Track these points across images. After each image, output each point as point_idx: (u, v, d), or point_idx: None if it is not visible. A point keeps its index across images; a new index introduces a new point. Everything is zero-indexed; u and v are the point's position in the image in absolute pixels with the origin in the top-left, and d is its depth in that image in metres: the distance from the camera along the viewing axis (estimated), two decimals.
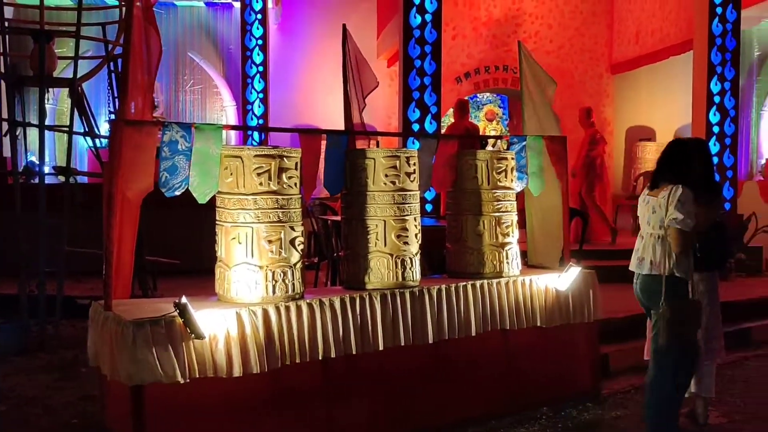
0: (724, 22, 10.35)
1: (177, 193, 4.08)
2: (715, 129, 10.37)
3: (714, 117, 10.37)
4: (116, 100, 7.18)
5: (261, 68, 11.00)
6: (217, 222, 4.27)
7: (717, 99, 10.36)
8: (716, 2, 10.32)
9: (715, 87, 10.35)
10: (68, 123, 7.03)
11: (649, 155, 12.06)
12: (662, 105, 11.79)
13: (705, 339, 4.94)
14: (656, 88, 12.82)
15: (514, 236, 5.37)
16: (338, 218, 5.46)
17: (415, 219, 4.79)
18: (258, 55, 10.94)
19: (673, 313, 4.27)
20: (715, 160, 10.34)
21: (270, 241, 4.15)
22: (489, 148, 7.64)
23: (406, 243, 4.71)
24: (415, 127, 9.65)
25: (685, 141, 4.67)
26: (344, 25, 5.34)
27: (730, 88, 10.40)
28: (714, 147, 10.37)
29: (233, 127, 10.18)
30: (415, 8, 9.66)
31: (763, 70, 12.69)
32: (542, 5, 13.60)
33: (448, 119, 15.00)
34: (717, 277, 5.09)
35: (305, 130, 4.62)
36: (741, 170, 11.89)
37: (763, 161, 12.49)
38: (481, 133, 15.77)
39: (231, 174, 4.16)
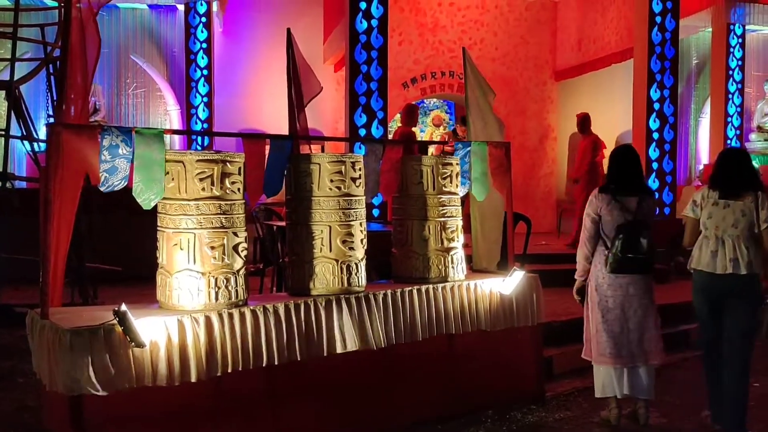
0: (663, 31, 10.61)
1: (117, 188, 4.01)
2: (655, 135, 10.63)
3: (654, 123, 10.62)
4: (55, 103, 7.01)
5: (205, 72, 10.87)
6: (158, 228, 4.20)
7: (657, 106, 10.62)
8: (656, 12, 10.58)
9: (654, 94, 10.61)
10: (5, 126, 6.84)
11: None
12: (604, 111, 12.01)
13: (640, 341, 5.14)
14: (598, 95, 13.08)
15: (459, 241, 5.40)
16: (283, 224, 5.42)
17: (360, 224, 4.78)
18: (202, 58, 10.82)
19: None
20: (655, 165, 10.60)
21: (213, 248, 4.10)
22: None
23: (351, 248, 4.69)
24: (362, 131, 9.65)
25: (747, 153, 5.16)
26: (289, 30, 5.31)
27: (669, 95, 10.67)
28: (654, 153, 10.62)
29: (175, 132, 10.02)
30: (361, 13, 9.67)
31: (701, 77, 13.04)
32: (487, 13, 13.76)
33: (395, 124, 15.05)
34: (651, 278, 5.25)
35: (249, 134, 4.57)
36: (680, 175, 12.19)
37: (702, 167, 12.82)
38: (427, 138, 15.88)
39: (173, 179, 4.09)
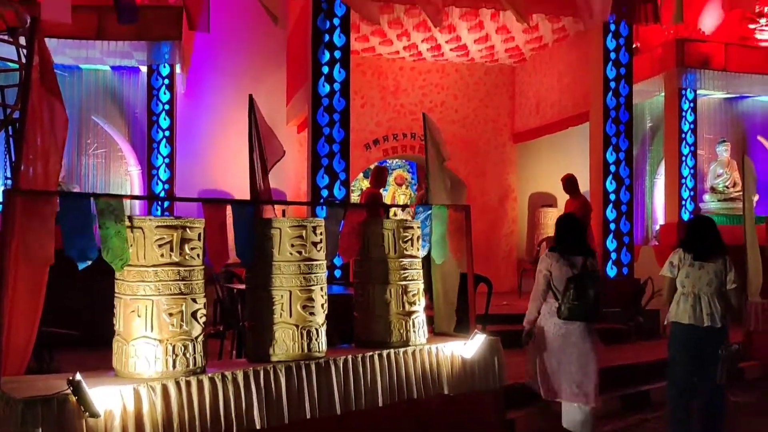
0: (617, 96, 10.92)
1: (88, 260, 3.96)
2: (612, 197, 10.83)
3: (610, 185, 10.84)
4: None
5: (167, 133, 10.86)
6: (116, 294, 4.15)
7: (613, 168, 10.86)
8: (610, 77, 10.90)
9: (610, 157, 10.86)
10: None
11: (551, 221, 12.45)
12: (562, 172, 12.22)
13: (581, 384, 5.60)
14: (556, 157, 13.35)
15: (420, 304, 5.41)
16: (244, 286, 5.39)
17: (321, 289, 4.77)
18: (164, 119, 10.82)
19: (737, 352, 5.45)
20: (612, 226, 10.78)
21: (171, 314, 4.05)
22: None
23: (312, 313, 4.67)
24: (324, 192, 9.70)
25: (713, 221, 5.87)
26: (251, 96, 5.37)
27: (625, 157, 10.92)
28: (611, 214, 10.81)
29: (134, 197, 9.97)
30: (323, 77, 9.81)
31: (655, 140, 13.38)
32: (447, 77, 14.05)
33: (358, 183, 15.16)
34: (593, 328, 5.78)
35: (209, 199, 4.57)
36: (637, 236, 12.39)
37: (658, 227, 13.07)
38: (391, 198, 16.01)
39: (132, 245, 4.06)
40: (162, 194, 10.83)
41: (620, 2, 10.61)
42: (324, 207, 5.98)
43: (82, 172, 11.72)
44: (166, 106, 10.84)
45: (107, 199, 4.05)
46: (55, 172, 4.56)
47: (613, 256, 10.79)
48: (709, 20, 13.05)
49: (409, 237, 5.36)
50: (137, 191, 11.49)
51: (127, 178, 11.80)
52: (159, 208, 10.29)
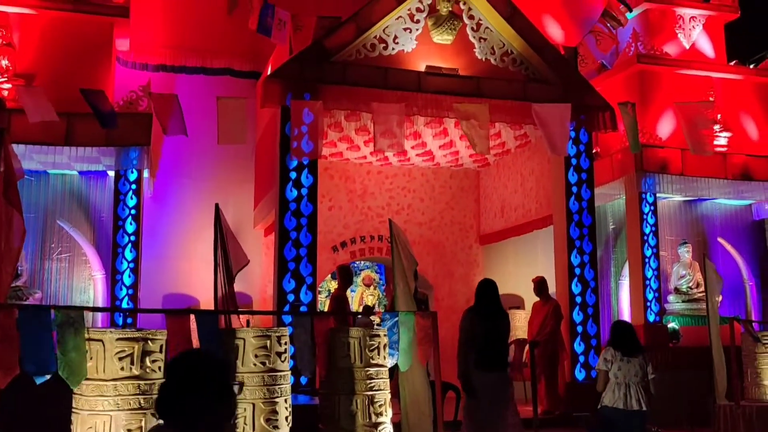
0: (580, 200, 11.16)
1: (45, 376, 3.85)
2: (578, 299, 10.91)
3: (576, 288, 10.93)
4: None
5: (133, 238, 10.80)
6: (73, 410, 4.03)
7: (578, 271, 10.98)
8: (572, 182, 11.17)
9: (575, 259, 10.99)
10: None
11: (520, 323, 12.42)
12: (529, 274, 12.31)
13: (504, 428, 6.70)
14: (522, 259, 13.46)
15: (387, 415, 5.32)
16: None
17: (285, 401, 4.68)
18: (131, 224, 10.78)
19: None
20: (579, 329, 10.81)
21: (130, 430, 3.93)
22: None
23: (275, 427, 4.57)
24: (291, 297, 9.64)
25: (631, 324, 7.26)
26: (217, 205, 5.40)
27: (589, 260, 11.07)
28: (578, 316, 10.86)
29: (94, 309, 9.81)
30: (291, 182, 9.93)
31: (618, 242, 13.58)
32: (414, 180, 14.28)
33: (326, 284, 15.10)
34: (510, 379, 7.24)
35: (172, 310, 4.52)
36: (603, 337, 12.38)
37: None
38: (359, 299, 15.93)
39: (91, 358, 3.97)
40: (126, 299, 10.67)
41: (579, 111, 11.01)
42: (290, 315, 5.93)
43: (45, 277, 11.53)
44: (133, 211, 10.82)
45: (67, 311, 3.99)
46: (5, 283, 4.50)
47: (581, 359, 10.77)
48: (666, 126, 13.53)
49: (376, 345, 5.32)
50: (101, 296, 11.31)
51: (90, 282, 11.63)
52: (121, 316, 10.13)
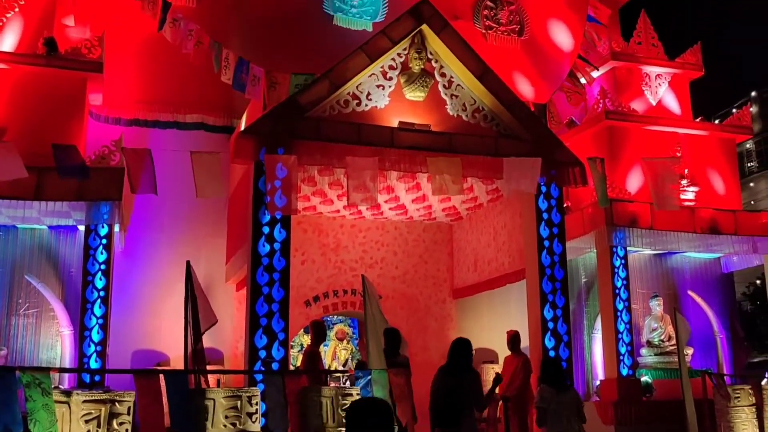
0: (552, 255, 11.24)
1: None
2: (551, 353, 10.89)
3: (549, 342, 10.94)
4: None
5: (102, 293, 10.64)
6: None
7: (551, 325, 11.00)
8: (543, 236, 11.26)
9: (548, 313, 11.02)
10: None
11: (492, 376, 12.34)
12: (503, 328, 12.29)
13: None
14: (496, 313, 13.46)
15: None
16: None
17: None
18: (100, 280, 10.63)
19: None
20: None
21: None
22: None
23: None
24: (262, 353, 9.52)
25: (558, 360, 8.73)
26: (188, 262, 5.37)
27: (562, 314, 11.10)
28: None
29: (61, 370, 9.62)
30: (264, 237, 9.90)
31: (591, 295, 13.65)
32: (387, 234, 14.30)
33: (298, 339, 14.94)
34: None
35: (141, 370, 4.45)
36: (579, 391, 12.37)
37: (598, 382, 13.08)
38: (331, 353, 15.77)
39: (57, 421, 3.88)
40: (94, 356, 10.46)
41: (550, 166, 11.16)
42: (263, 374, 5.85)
43: (11, 333, 11.31)
44: (103, 266, 10.69)
45: (33, 372, 3.90)
46: None
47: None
48: (635, 181, 13.76)
49: (348, 404, 5.25)
50: (68, 353, 11.10)
51: (58, 339, 11.42)
52: (89, 375, 9.93)
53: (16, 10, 12.09)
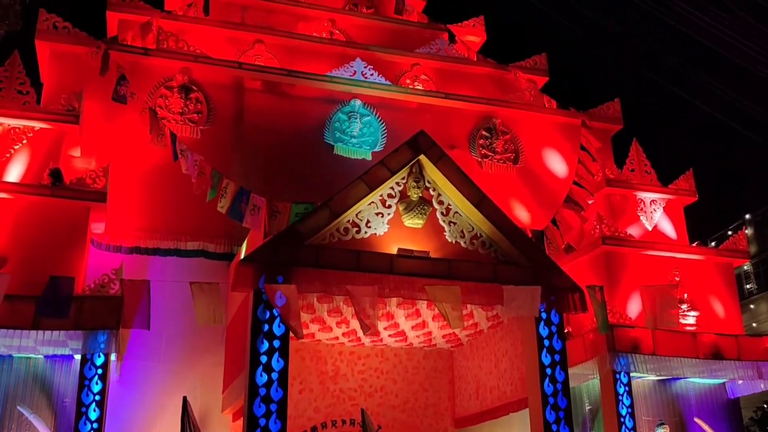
0: (554, 383, 11.06)
1: None
2: None
3: None
4: None
5: (96, 425, 10.39)
6: None
7: None
8: (545, 363, 11.12)
9: None
10: None
11: None
12: None
13: None
14: None
15: None
16: None
17: None
18: (94, 411, 10.39)
19: None
20: None
21: None
22: None
23: None
24: None
25: None
26: (185, 398, 5.29)
27: None
28: None
29: None
30: (261, 367, 9.77)
31: (595, 422, 13.33)
32: (386, 361, 14.10)
33: None
34: None
35: None
36: None
37: None
38: None
39: None
40: None
41: (549, 292, 11.17)
42: None
43: None
44: (97, 397, 10.51)
45: None
46: None
47: None
48: (635, 306, 13.71)
49: None
50: None
51: None
52: None
53: (24, 141, 12.41)
